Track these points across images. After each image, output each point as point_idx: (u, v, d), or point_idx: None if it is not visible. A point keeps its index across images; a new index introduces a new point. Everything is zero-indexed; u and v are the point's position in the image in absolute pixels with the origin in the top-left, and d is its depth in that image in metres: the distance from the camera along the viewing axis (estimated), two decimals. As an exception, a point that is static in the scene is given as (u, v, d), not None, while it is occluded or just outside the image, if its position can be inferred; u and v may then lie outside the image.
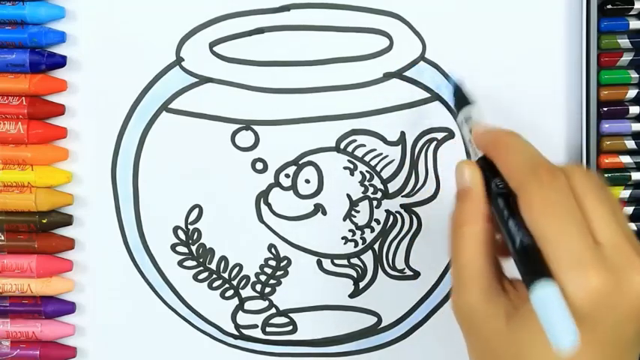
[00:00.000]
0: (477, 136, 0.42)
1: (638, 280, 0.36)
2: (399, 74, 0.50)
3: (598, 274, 0.35)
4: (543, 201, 0.37)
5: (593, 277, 0.35)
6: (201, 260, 0.51)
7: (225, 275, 0.51)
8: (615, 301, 0.35)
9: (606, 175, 0.50)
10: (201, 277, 0.51)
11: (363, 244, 0.51)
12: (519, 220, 0.37)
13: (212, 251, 0.51)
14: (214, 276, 0.51)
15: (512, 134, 0.41)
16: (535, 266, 0.36)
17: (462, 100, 0.47)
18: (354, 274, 0.51)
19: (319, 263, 0.51)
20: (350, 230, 0.51)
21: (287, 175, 0.50)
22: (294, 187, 0.51)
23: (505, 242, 0.37)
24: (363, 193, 0.51)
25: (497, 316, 0.37)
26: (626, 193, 0.50)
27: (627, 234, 0.37)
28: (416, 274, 0.51)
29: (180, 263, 0.51)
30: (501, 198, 0.38)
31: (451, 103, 0.49)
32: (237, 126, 0.50)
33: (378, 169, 0.50)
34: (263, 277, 0.51)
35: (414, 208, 0.51)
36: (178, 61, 0.50)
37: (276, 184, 0.50)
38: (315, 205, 0.51)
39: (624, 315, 0.36)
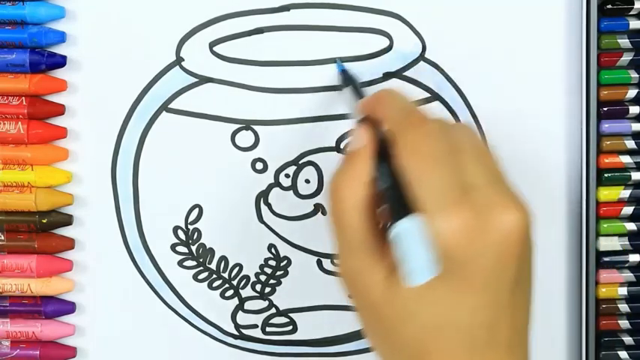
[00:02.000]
0: (362, 104, 0.42)
1: (505, 219, 0.35)
2: (399, 74, 0.50)
3: (463, 215, 0.35)
4: (412, 143, 0.37)
5: (457, 218, 0.35)
6: (201, 260, 0.51)
7: (225, 275, 0.51)
8: (484, 242, 0.35)
9: (606, 175, 0.50)
10: (201, 277, 0.51)
11: (363, 244, 0.51)
12: (391, 166, 0.37)
13: (212, 251, 0.51)
14: (214, 276, 0.51)
15: (390, 90, 0.41)
16: (398, 206, 0.35)
17: (348, 80, 0.47)
18: (354, 274, 0.51)
19: (319, 263, 0.51)
20: (350, 230, 0.51)
21: (287, 175, 0.50)
22: (294, 187, 0.51)
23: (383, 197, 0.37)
24: None
25: (379, 278, 0.37)
26: (626, 193, 0.50)
27: (497, 178, 0.37)
28: (416, 274, 0.51)
29: (180, 263, 0.51)
30: (382, 153, 0.38)
31: (342, 83, 0.48)
32: (237, 126, 0.50)
33: (378, 169, 0.50)
34: (263, 277, 0.51)
35: (414, 208, 0.51)
36: (178, 61, 0.50)
37: (276, 184, 0.50)
38: (315, 205, 0.51)
39: (496, 256, 0.35)
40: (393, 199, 0.36)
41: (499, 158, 0.39)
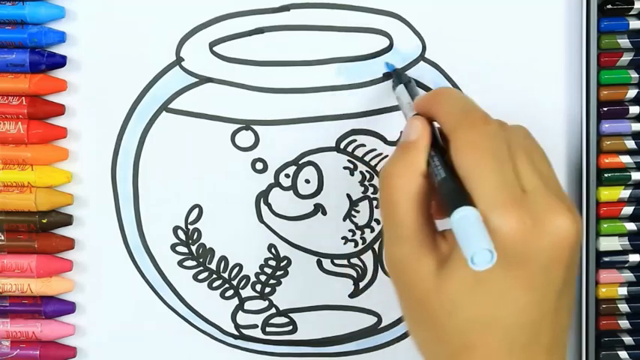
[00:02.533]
0: (417, 102, 0.42)
1: (559, 224, 0.36)
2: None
3: (519, 215, 0.35)
4: (471, 141, 0.37)
5: (514, 217, 0.35)
6: (201, 260, 0.51)
7: (225, 275, 0.51)
8: (538, 244, 0.35)
9: (606, 175, 0.50)
10: (201, 277, 0.51)
11: (363, 244, 0.51)
12: (447, 160, 0.37)
13: (212, 251, 0.51)
14: (214, 276, 0.51)
15: (449, 88, 0.42)
16: (457, 197, 0.35)
17: (399, 77, 0.47)
18: (354, 274, 0.51)
19: (319, 263, 0.51)
20: (350, 230, 0.51)
21: (287, 175, 0.50)
22: (294, 187, 0.51)
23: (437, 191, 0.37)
24: (363, 193, 0.51)
25: (428, 269, 0.37)
26: (626, 193, 0.50)
27: (552, 184, 0.38)
28: (416, 274, 0.51)
29: (180, 263, 0.51)
30: (436, 148, 0.38)
31: (395, 82, 0.48)
32: (237, 126, 0.50)
33: (378, 169, 0.50)
34: (263, 277, 0.51)
35: (414, 208, 0.51)
36: (178, 61, 0.50)
37: (276, 184, 0.50)
38: (315, 205, 0.51)
39: (547, 259, 0.36)
40: (449, 190, 0.36)
41: (550, 161, 0.39)
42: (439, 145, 0.39)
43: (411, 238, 0.38)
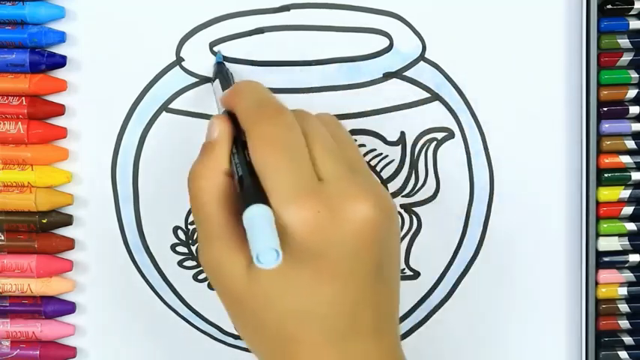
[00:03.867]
0: (222, 98, 0.42)
1: (357, 209, 0.36)
2: (399, 74, 0.50)
3: (313, 207, 0.35)
4: (263, 135, 0.37)
5: (308, 210, 0.35)
6: (201, 260, 0.51)
7: (225, 275, 0.51)
8: (337, 233, 0.35)
9: (606, 175, 0.50)
10: (201, 277, 0.51)
11: (363, 244, 0.51)
12: (245, 157, 0.37)
13: (212, 251, 0.51)
14: (214, 276, 0.51)
15: (248, 82, 0.41)
16: (250, 195, 0.35)
17: (220, 72, 0.47)
18: (354, 274, 0.51)
19: (319, 263, 0.51)
20: (350, 230, 0.51)
21: (287, 175, 0.50)
22: (294, 187, 0.50)
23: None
24: None
25: (239, 267, 0.37)
26: (626, 193, 0.50)
27: (350, 170, 0.37)
28: (416, 274, 0.51)
29: (180, 263, 0.51)
30: (238, 145, 0.38)
31: (214, 75, 0.48)
32: (237, 126, 0.50)
33: (378, 169, 0.50)
34: (263, 277, 0.51)
35: (414, 208, 0.51)
36: (178, 61, 0.50)
37: (276, 184, 0.50)
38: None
39: (350, 247, 0.36)
40: (244, 188, 0.36)
41: (357, 149, 0.39)
42: (241, 143, 0.38)
43: (220, 237, 0.37)
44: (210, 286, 0.51)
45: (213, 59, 0.49)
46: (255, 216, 0.34)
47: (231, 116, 0.40)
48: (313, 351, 0.36)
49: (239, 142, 0.39)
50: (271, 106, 0.39)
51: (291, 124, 0.38)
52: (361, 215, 0.36)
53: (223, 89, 0.45)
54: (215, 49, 0.49)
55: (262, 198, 0.35)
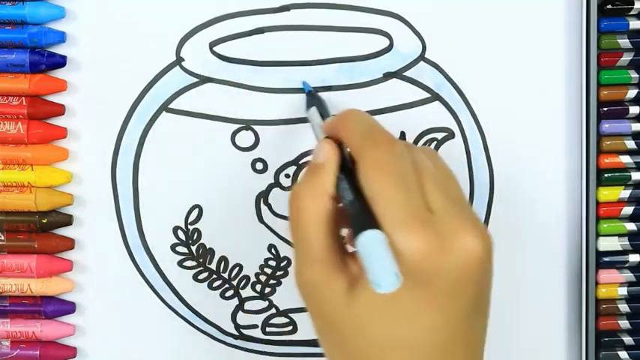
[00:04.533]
0: (326, 124, 0.42)
1: (467, 243, 0.36)
2: (399, 74, 0.50)
3: (425, 235, 0.35)
4: (376, 161, 0.37)
5: (419, 238, 0.35)
6: (201, 260, 0.51)
7: (225, 275, 0.51)
8: (445, 264, 0.35)
9: (606, 175, 0.50)
10: (201, 277, 0.51)
11: (363, 244, 0.51)
12: (354, 182, 0.37)
13: (212, 251, 0.51)
14: (214, 276, 0.51)
15: (355, 110, 0.42)
16: (363, 220, 0.36)
17: (314, 101, 0.47)
18: (354, 274, 0.51)
19: (319, 263, 0.51)
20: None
21: (287, 175, 0.50)
22: (294, 187, 0.50)
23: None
24: None
25: (338, 290, 0.37)
26: (626, 193, 0.50)
27: (459, 204, 0.38)
28: (416, 274, 0.51)
29: (180, 263, 0.51)
30: (345, 170, 0.38)
31: (308, 103, 0.48)
32: (237, 126, 0.50)
33: (378, 169, 0.50)
34: (263, 278, 0.51)
35: (414, 208, 0.51)
36: (178, 61, 0.50)
37: (276, 184, 0.50)
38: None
39: (455, 279, 0.36)
40: (356, 213, 0.36)
41: (459, 183, 0.39)
42: (348, 168, 0.39)
43: (320, 260, 0.37)
44: (209, 286, 0.51)
45: (212, 60, 0.49)
46: (372, 240, 0.34)
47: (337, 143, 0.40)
48: None
49: (346, 169, 0.39)
50: (383, 134, 0.39)
51: (402, 153, 0.38)
52: (470, 249, 0.36)
53: (321, 116, 0.45)
54: (303, 82, 0.49)
55: (375, 223, 0.35)
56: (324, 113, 0.46)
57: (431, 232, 0.35)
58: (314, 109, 0.46)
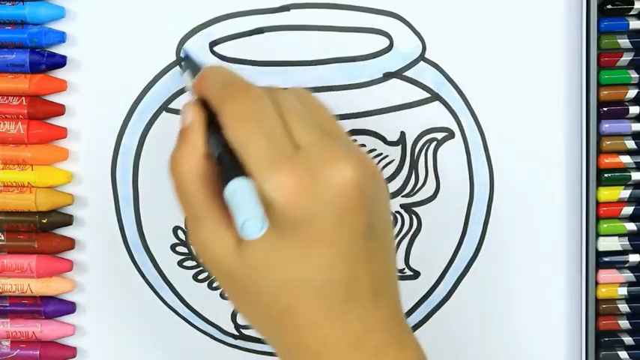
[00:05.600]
0: (192, 85, 0.42)
1: (337, 173, 0.35)
2: (399, 74, 0.50)
3: (293, 173, 0.35)
4: (234, 111, 0.37)
5: (287, 176, 0.35)
6: (201, 260, 0.51)
7: (225, 275, 0.51)
8: (319, 198, 0.35)
9: (606, 175, 0.50)
10: (201, 277, 0.51)
11: (363, 244, 0.51)
12: (222, 138, 0.37)
13: (212, 251, 0.51)
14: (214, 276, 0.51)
15: (213, 66, 0.42)
16: (230, 171, 0.36)
17: (189, 65, 0.47)
18: (354, 274, 0.51)
19: (319, 263, 0.51)
20: (350, 230, 0.51)
21: (287, 175, 0.50)
22: (294, 187, 0.50)
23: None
24: None
25: (228, 244, 0.37)
26: (626, 193, 0.50)
27: (327, 136, 0.37)
28: (416, 274, 0.51)
29: (180, 263, 0.51)
30: (214, 128, 0.38)
31: (183, 68, 0.48)
32: (237, 126, 0.50)
33: (378, 169, 0.50)
34: (263, 277, 0.51)
35: (413, 208, 0.51)
36: (178, 61, 0.50)
37: (276, 184, 0.50)
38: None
39: (335, 211, 0.35)
40: (224, 165, 0.37)
41: (332, 115, 0.39)
42: (216, 125, 0.38)
43: (206, 218, 0.37)
44: (209, 286, 0.51)
45: (212, 60, 0.49)
46: (237, 189, 0.35)
47: (205, 103, 0.40)
48: (310, 320, 0.36)
49: (215, 126, 0.39)
50: (238, 83, 0.39)
51: (259, 96, 0.38)
52: (343, 177, 0.35)
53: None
54: (181, 50, 0.49)
55: (242, 172, 0.36)
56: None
57: (298, 169, 0.35)
58: (187, 74, 0.46)
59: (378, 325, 0.37)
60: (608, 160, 0.50)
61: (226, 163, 0.37)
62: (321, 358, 0.36)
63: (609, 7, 0.49)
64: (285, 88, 0.40)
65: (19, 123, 0.49)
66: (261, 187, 0.35)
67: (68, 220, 0.50)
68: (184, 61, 0.48)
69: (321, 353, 0.36)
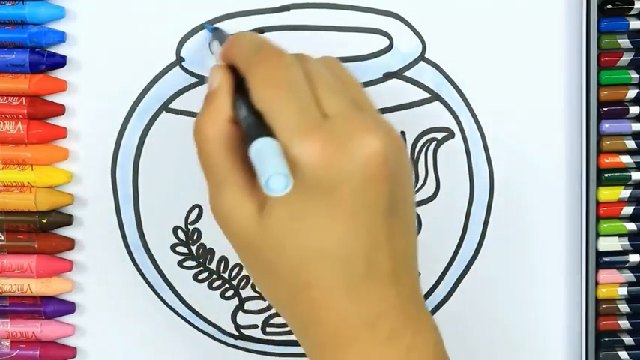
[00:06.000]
0: (221, 52, 0.41)
1: (365, 143, 0.35)
2: (399, 74, 0.50)
3: (321, 140, 0.35)
4: (265, 75, 0.37)
5: (315, 143, 0.35)
6: (201, 260, 0.51)
7: (225, 275, 0.51)
8: (346, 167, 0.35)
9: (606, 175, 0.50)
10: (201, 277, 0.51)
11: (363, 244, 0.51)
12: (248, 102, 0.37)
13: (212, 251, 0.51)
14: (214, 276, 0.51)
15: (243, 32, 0.42)
16: (255, 131, 0.35)
17: (216, 34, 0.46)
18: (354, 274, 0.51)
19: (319, 263, 0.51)
20: (350, 230, 0.51)
21: (287, 175, 0.50)
22: (294, 187, 0.50)
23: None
24: None
25: (250, 212, 0.36)
26: (626, 193, 0.50)
27: (356, 106, 0.37)
28: (416, 274, 0.51)
29: (180, 263, 0.51)
30: (241, 92, 0.38)
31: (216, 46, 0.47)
32: (237, 126, 0.50)
33: (378, 169, 0.50)
34: (263, 277, 0.51)
35: (414, 208, 0.51)
36: (178, 61, 0.50)
37: (276, 184, 0.50)
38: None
39: (361, 181, 0.35)
40: (250, 126, 0.36)
41: (362, 87, 0.39)
42: (244, 89, 0.38)
43: (229, 184, 0.37)
44: (210, 286, 0.51)
45: (212, 60, 0.49)
46: (262, 147, 0.34)
47: (232, 69, 0.40)
48: (327, 296, 0.35)
49: (242, 90, 0.38)
50: (269, 48, 0.38)
51: (290, 63, 0.37)
52: (370, 148, 0.35)
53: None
54: (204, 24, 0.48)
55: (268, 133, 0.35)
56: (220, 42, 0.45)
57: (326, 137, 0.35)
58: (216, 43, 0.45)
59: (394, 307, 0.36)
60: (608, 160, 0.50)
61: (253, 125, 0.36)
62: (337, 335, 0.36)
63: (609, 7, 0.49)
64: (318, 58, 0.39)
65: (19, 123, 0.49)
66: (287, 150, 0.34)
67: (68, 220, 0.50)
68: (214, 33, 0.48)
69: (338, 331, 0.36)
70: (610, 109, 0.50)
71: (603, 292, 0.51)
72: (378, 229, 0.36)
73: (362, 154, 0.35)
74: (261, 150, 0.34)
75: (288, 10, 0.49)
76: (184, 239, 0.51)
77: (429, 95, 0.50)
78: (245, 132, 0.37)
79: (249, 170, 0.37)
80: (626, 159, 0.50)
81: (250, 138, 0.35)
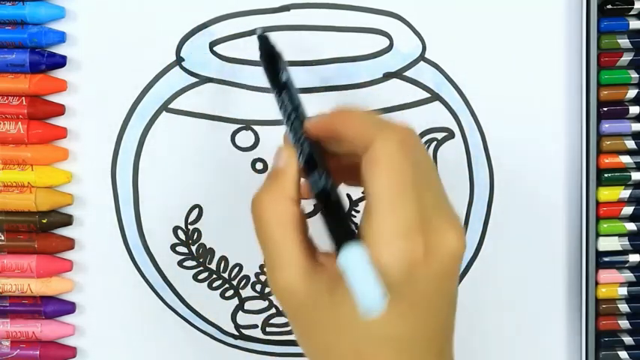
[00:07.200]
0: (313, 124, 0.39)
1: (448, 241, 0.35)
2: (399, 74, 0.50)
3: (412, 246, 0.35)
4: (389, 153, 0.35)
5: (406, 250, 0.34)
6: (201, 260, 0.51)
7: (225, 275, 0.51)
8: (430, 268, 0.35)
9: (606, 175, 0.50)
10: (201, 277, 0.51)
11: (363, 244, 0.51)
12: (327, 177, 0.36)
13: (212, 251, 0.51)
14: (214, 276, 0.51)
15: (349, 106, 0.39)
16: (342, 228, 0.35)
17: (268, 51, 0.43)
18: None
19: (319, 263, 0.51)
20: (350, 230, 0.51)
21: (287, 175, 0.50)
22: (294, 187, 0.50)
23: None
24: (362, 192, 0.50)
25: (319, 292, 0.36)
26: (626, 193, 0.50)
27: (441, 198, 0.37)
28: (416, 274, 0.51)
29: (180, 263, 0.51)
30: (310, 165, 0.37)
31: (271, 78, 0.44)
32: (237, 126, 0.50)
33: (378, 169, 0.50)
34: (263, 277, 0.51)
35: (414, 208, 0.51)
36: (178, 61, 0.50)
37: (276, 184, 0.50)
38: (315, 205, 0.51)
39: (440, 278, 0.35)
40: (332, 217, 0.36)
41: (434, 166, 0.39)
42: (314, 162, 0.37)
43: (290, 265, 0.37)
44: (210, 286, 0.51)
45: (212, 60, 0.49)
46: (352, 259, 0.33)
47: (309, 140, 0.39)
48: None
49: (314, 164, 0.38)
50: (396, 124, 0.37)
51: (417, 144, 0.37)
52: (452, 247, 0.35)
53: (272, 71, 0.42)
54: (257, 29, 0.45)
55: (352, 232, 0.34)
56: (276, 68, 0.42)
57: (418, 240, 0.35)
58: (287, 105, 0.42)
59: None
60: (608, 160, 0.50)
61: (336, 215, 0.35)
62: None
63: (609, 7, 0.49)
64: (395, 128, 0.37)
65: (19, 123, 0.49)
66: (377, 255, 0.34)
67: (68, 220, 0.50)
68: (262, 44, 0.44)
69: None
70: (610, 109, 0.50)
71: (603, 292, 0.51)
72: (443, 320, 0.37)
73: (445, 254, 0.35)
74: (352, 262, 0.33)
75: (288, 10, 0.49)
76: (184, 239, 0.51)
77: (429, 95, 0.50)
78: (326, 221, 0.36)
79: (311, 247, 0.37)
80: (626, 159, 0.50)
81: (336, 236, 0.34)
